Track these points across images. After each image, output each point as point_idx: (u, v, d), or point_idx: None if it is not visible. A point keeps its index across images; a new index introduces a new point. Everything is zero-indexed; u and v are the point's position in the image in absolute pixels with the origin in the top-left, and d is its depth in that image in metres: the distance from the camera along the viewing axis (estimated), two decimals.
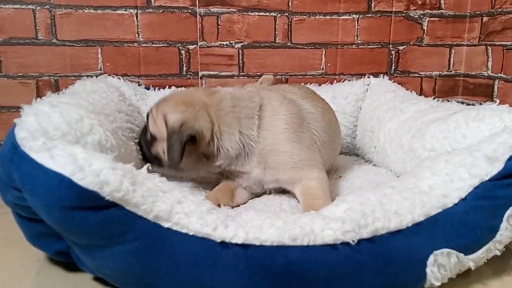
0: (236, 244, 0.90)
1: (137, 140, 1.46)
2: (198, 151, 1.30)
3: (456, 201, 1.00)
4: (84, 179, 0.85)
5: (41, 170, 0.86)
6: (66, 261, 1.05)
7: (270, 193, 1.45)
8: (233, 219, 0.94)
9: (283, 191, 1.42)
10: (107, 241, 0.88)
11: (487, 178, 1.02)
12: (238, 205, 1.36)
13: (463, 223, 0.98)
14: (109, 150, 1.10)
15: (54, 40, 2.01)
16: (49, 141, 0.92)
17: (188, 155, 1.27)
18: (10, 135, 0.97)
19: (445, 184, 1.04)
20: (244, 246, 0.90)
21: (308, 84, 2.15)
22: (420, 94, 2.32)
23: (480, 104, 2.16)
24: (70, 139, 0.99)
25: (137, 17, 2.06)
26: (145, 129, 1.44)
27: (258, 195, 1.45)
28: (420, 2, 2.26)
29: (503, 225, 1.00)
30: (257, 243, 0.90)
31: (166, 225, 0.89)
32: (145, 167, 1.02)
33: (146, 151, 1.42)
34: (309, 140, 1.38)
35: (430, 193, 1.03)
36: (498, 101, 1.37)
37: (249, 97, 1.38)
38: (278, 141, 1.33)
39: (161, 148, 1.35)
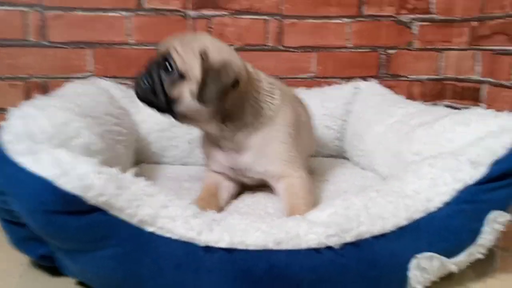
0: (221, 248, 0.90)
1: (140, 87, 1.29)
2: (223, 101, 1.26)
3: (440, 205, 1.01)
4: (68, 183, 0.85)
5: (25, 174, 0.86)
6: (49, 265, 1.04)
7: (254, 192, 1.47)
8: (218, 223, 0.94)
9: (268, 191, 1.44)
10: (90, 246, 0.88)
11: (471, 182, 1.03)
12: (222, 208, 1.36)
13: (446, 227, 0.99)
14: (96, 153, 1.10)
15: (45, 42, 2.01)
16: (34, 145, 0.92)
17: (213, 104, 1.25)
18: None
19: (429, 188, 1.04)
20: (229, 250, 0.90)
21: (299, 87, 2.16)
22: (409, 98, 2.33)
23: (468, 108, 2.18)
24: (56, 143, 1.00)
25: (128, 19, 2.06)
26: (159, 68, 1.26)
27: (240, 192, 1.48)
28: (410, 7, 2.28)
29: (485, 228, 1.01)
30: (242, 247, 0.91)
31: (150, 229, 0.90)
32: (132, 170, 1.02)
33: (160, 91, 1.25)
34: (298, 142, 1.40)
35: (414, 197, 1.04)
36: (484, 105, 1.38)
37: (272, 81, 1.44)
38: (281, 132, 1.35)
39: (188, 88, 1.24)
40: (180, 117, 1.30)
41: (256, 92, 1.34)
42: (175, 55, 1.24)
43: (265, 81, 1.40)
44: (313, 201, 1.30)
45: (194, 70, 1.22)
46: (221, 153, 1.39)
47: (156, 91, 1.25)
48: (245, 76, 1.30)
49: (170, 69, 1.24)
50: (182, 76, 1.23)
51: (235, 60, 1.28)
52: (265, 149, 1.34)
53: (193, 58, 1.23)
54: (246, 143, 1.34)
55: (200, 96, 1.21)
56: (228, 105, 1.28)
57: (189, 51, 1.23)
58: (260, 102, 1.34)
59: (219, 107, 1.27)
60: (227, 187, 1.43)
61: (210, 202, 1.31)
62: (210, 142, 1.41)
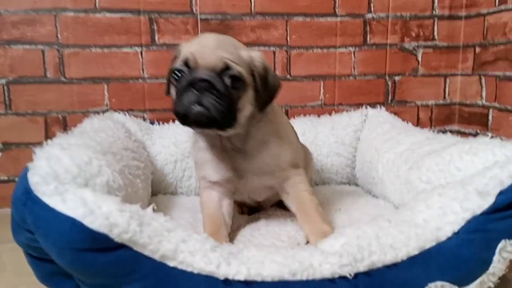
0: (239, 281, 0.94)
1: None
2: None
3: (450, 234, 1.05)
4: (94, 222, 0.89)
5: (53, 214, 0.91)
6: None
7: (268, 219, 1.51)
8: (236, 256, 0.98)
9: (281, 219, 1.48)
10: (116, 281, 0.93)
11: (478, 212, 1.06)
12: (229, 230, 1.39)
13: (457, 256, 1.02)
14: (117, 191, 1.15)
15: (62, 78, 2.09)
16: (60, 185, 0.97)
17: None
18: (22, 179, 1.02)
19: (439, 217, 1.08)
20: (247, 283, 0.94)
21: (308, 115, 2.22)
22: (417, 123, 2.39)
23: (476, 133, 2.22)
24: (80, 182, 1.05)
25: (141, 55, 2.15)
26: (221, 79, 1.17)
27: (255, 218, 1.51)
28: (414, 34, 2.35)
29: (496, 257, 1.04)
30: (259, 279, 0.94)
31: (171, 264, 0.94)
32: (151, 206, 1.07)
33: (226, 105, 1.17)
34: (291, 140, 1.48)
35: (424, 226, 1.07)
36: (490, 134, 1.42)
37: None
38: (278, 132, 1.38)
39: (248, 96, 1.23)
40: (237, 127, 1.25)
41: None
42: (234, 66, 1.18)
43: None
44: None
45: (249, 76, 1.21)
46: (226, 156, 1.35)
47: (223, 106, 1.16)
48: None
49: (239, 79, 1.19)
50: (244, 86, 1.21)
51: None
52: (270, 147, 1.35)
53: (244, 64, 1.21)
54: (245, 143, 1.34)
55: (259, 102, 1.25)
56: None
57: (240, 59, 1.21)
58: None
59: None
60: (228, 206, 1.41)
61: (220, 233, 1.33)
62: (215, 148, 1.35)
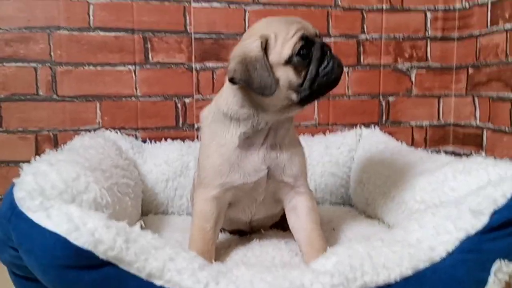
0: None
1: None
2: None
3: (443, 254, 1.02)
4: (79, 238, 0.87)
5: (38, 230, 0.89)
6: None
7: (262, 240, 1.46)
8: (225, 275, 0.96)
9: (275, 240, 1.45)
10: None
11: (472, 231, 1.04)
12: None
13: (451, 277, 1.00)
14: (104, 208, 1.13)
15: (54, 96, 2.08)
16: (46, 201, 0.95)
17: None
18: (8, 195, 1.00)
19: (432, 237, 1.06)
20: None
21: (302, 134, 2.21)
22: (412, 143, 2.38)
23: (471, 153, 2.21)
24: (67, 198, 1.03)
25: (135, 73, 2.14)
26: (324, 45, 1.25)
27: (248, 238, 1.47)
28: (407, 55, 2.36)
29: (491, 278, 1.02)
30: None
31: (158, 283, 0.91)
32: (138, 223, 1.04)
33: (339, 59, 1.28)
34: None
35: (418, 246, 1.05)
36: (484, 154, 1.41)
37: None
38: (297, 136, 1.45)
39: None
40: None
41: None
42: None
43: None
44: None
45: None
46: (259, 154, 1.31)
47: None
48: None
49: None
50: None
51: None
52: (295, 149, 1.37)
53: None
54: (284, 138, 1.35)
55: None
56: None
57: None
58: None
59: None
60: (220, 224, 1.37)
61: (210, 253, 1.28)
62: (250, 144, 1.32)
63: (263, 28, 1.25)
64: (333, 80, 1.24)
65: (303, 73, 1.22)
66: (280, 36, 1.21)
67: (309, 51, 1.21)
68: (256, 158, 1.31)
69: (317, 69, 1.22)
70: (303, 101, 1.25)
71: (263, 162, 1.31)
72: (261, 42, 1.20)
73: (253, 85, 1.19)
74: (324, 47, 1.24)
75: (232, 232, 1.60)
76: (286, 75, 1.21)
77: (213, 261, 1.20)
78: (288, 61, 1.20)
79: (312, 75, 1.21)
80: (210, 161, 1.32)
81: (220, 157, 1.30)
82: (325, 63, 1.22)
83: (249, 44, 1.22)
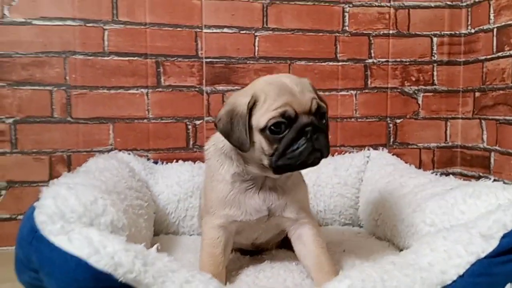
0: None
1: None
2: None
3: (455, 277, 1.03)
4: (100, 262, 0.89)
5: (59, 253, 0.91)
6: None
7: (273, 262, 1.48)
8: None
9: (286, 262, 1.46)
10: None
11: (483, 255, 1.05)
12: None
13: None
14: (121, 230, 1.16)
15: (69, 118, 2.12)
16: (67, 224, 0.98)
17: None
18: (29, 218, 1.03)
19: (444, 260, 1.07)
20: None
21: None
22: (420, 165, 2.40)
23: (478, 176, 2.23)
24: (86, 221, 1.05)
25: (147, 96, 2.19)
26: (320, 124, 1.24)
27: (258, 259, 1.49)
28: (414, 79, 2.40)
29: None
30: None
31: None
32: (155, 246, 1.07)
33: (329, 145, 1.26)
34: None
35: (429, 270, 1.06)
36: (492, 178, 1.43)
37: None
38: (301, 175, 1.45)
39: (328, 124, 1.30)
40: None
41: None
42: (321, 103, 1.25)
43: None
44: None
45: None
46: (259, 195, 1.34)
47: (329, 144, 1.26)
48: None
49: (324, 117, 1.26)
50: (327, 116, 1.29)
51: None
52: (297, 188, 1.39)
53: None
54: (285, 182, 1.36)
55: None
56: None
57: (315, 93, 1.28)
58: None
59: None
60: (230, 248, 1.39)
61: (221, 276, 1.30)
62: (254, 187, 1.34)
63: (260, 87, 1.25)
64: (299, 164, 1.21)
65: (275, 146, 1.21)
66: (267, 102, 1.21)
67: (285, 129, 1.19)
68: (257, 199, 1.33)
69: (285, 149, 1.20)
70: (275, 171, 1.24)
71: (263, 203, 1.33)
72: (249, 102, 1.21)
73: (231, 137, 1.24)
74: (305, 129, 1.19)
75: (236, 250, 1.61)
76: (260, 141, 1.22)
77: (225, 283, 1.22)
78: (262, 130, 1.21)
79: (279, 152, 1.20)
80: (214, 194, 1.36)
81: (220, 192, 1.34)
82: (296, 145, 1.19)
83: (241, 99, 1.24)
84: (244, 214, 1.33)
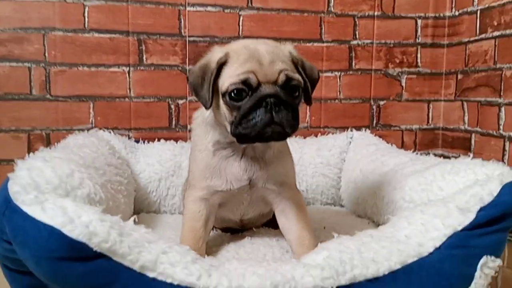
0: None
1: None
2: None
3: (431, 250, 1.05)
4: (74, 231, 0.88)
5: (32, 222, 0.90)
6: None
7: (253, 238, 1.48)
8: (217, 269, 0.97)
9: (266, 238, 1.47)
10: None
11: (459, 228, 1.07)
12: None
13: (438, 272, 1.02)
14: (98, 203, 1.14)
15: (48, 96, 2.08)
16: (40, 195, 0.96)
17: None
18: (3, 189, 1.01)
19: (421, 233, 1.08)
20: None
21: (294, 136, 2.23)
22: (402, 147, 2.42)
23: (459, 156, 2.25)
24: (61, 193, 1.04)
25: (129, 74, 2.16)
26: (291, 96, 1.18)
27: (239, 236, 1.49)
28: (397, 61, 2.40)
29: (477, 273, 1.04)
30: None
31: (151, 275, 0.92)
32: (132, 218, 1.06)
33: (295, 114, 1.18)
34: None
35: (406, 242, 1.07)
36: (471, 155, 1.44)
37: None
38: (287, 147, 1.42)
39: (301, 99, 1.23)
40: None
41: None
42: (293, 75, 1.18)
43: None
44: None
45: (300, 78, 1.20)
46: (240, 164, 1.31)
47: (294, 119, 1.17)
48: None
49: (295, 91, 1.19)
50: (301, 90, 1.21)
51: None
52: (282, 159, 1.37)
53: (293, 65, 1.21)
54: (265, 152, 1.33)
55: (308, 96, 1.25)
56: None
57: (289, 62, 1.21)
58: None
59: None
60: (211, 223, 1.37)
61: (201, 250, 1.29)
62: (234, 157, 1.32)
63: (236, 48, 1.21)
64: (255, 135, 1.15)
65: (234, 113, 1.18)
66: (234, 66, 1.18)
67: (245, 97, 1.15)
68: (237, 168, 1.31)
69: (241, 118, 1.15)
70: (237, 140, 1.21)
71: (244, 173, 1.31)
72: (220, 58, 1.19)
73: (199, 93, 1.21)
74: (265, 99, 1.13)
75: (223, 230, 1.61)
76: (222, 106, 1.21)
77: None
78: (224, 95, 1.18)
79: (236, 121, 1.17)
80: (195, 164, 1.35)
81: (202, 162, 1.33)
82: (253, 115, 1.14)
83: (216, 55, 1.21)
84: (225, 184, 1.31)
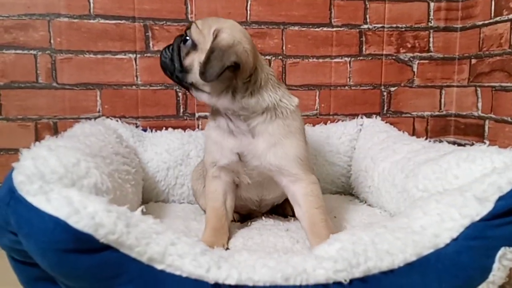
0: (230, 285, 0.90)
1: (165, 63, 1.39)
2: (232, 82, 1.31)
3: (448, 241, 1.02)
4: (79, 222, 0.86)
5: (37, 213, 0.87)
6: None
7: (262, 230, 1.46)
8: (226, 260, 0.95)
9: (276, 229, 1.44)
10: (100, 285, 0.89)
11: (477, 218, 1.03)
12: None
13: (455, 263, 0.99)
14: (105, 193, 1.12)
15: (54, 84, 2.06)
16: (45, 185, 0.94)
17: (221, 80, 1.28)
18: (7, 179, 0.99)
19: (437, 224, 1.05)
20: (237, 287, 0.90)
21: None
22: (413, 134, 2.37)
23: (472, 144, 2.20)
24: (67, 182, 1.01)
25: (136, 61, 2.12)
26: (181, 38, 1.37)
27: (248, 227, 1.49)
28: (409, 45, 2.34)
29: (496, 265, 1.01)
30: (250, 284, 0.91)
31: (159, 267, 0.90)
32: (140, 208, 1.03)
33: (176, 59, 1.36)
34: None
35: (422, 233, 1.04)
36: (487, 142, 1.40)
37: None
38: (299, 130, 1.40)
39: (198, 59, 1.30)
40: (193, 88, 1.36)
41: (271, 83, 1.37)
42: (193, 28, 1.34)
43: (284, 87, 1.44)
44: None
45: (206, 44, 1.29)
46: (232, 138, 1.38)
47: (173, 59, 1.36)
48: (250, 62, 1.30)
49: (187, 39, 1.34)
50: (195, 47, 1.32)
51: (244, 45, 1.29)
52: (283, 140, 1.34)
53: (208, 34, 1.30)
54: (262, 128, 1.34)
55: (202, 70, 1.26)
56: (237, 84, 1.31)
57: (206, 27, 1.31)
58: (280, 95, 1.37)
59: (222, 86, 1.32)
60: (231, 201, 1.45)
61: (224, 229, 1.39)
62: (221, 128, 1.40)
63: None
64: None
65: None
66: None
67: None
68: (227, 142, 1.38)
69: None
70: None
71: (233, 147, 1.37)
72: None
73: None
74: (174, 38, 1.39)
75: (245, 216, 1.63)
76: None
77: (226, 237, 1.35)
78: None
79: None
80: (205, 144, 1.49)
81: (208, 138, 1.46)
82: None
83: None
84: (223, 158, 1.39)
